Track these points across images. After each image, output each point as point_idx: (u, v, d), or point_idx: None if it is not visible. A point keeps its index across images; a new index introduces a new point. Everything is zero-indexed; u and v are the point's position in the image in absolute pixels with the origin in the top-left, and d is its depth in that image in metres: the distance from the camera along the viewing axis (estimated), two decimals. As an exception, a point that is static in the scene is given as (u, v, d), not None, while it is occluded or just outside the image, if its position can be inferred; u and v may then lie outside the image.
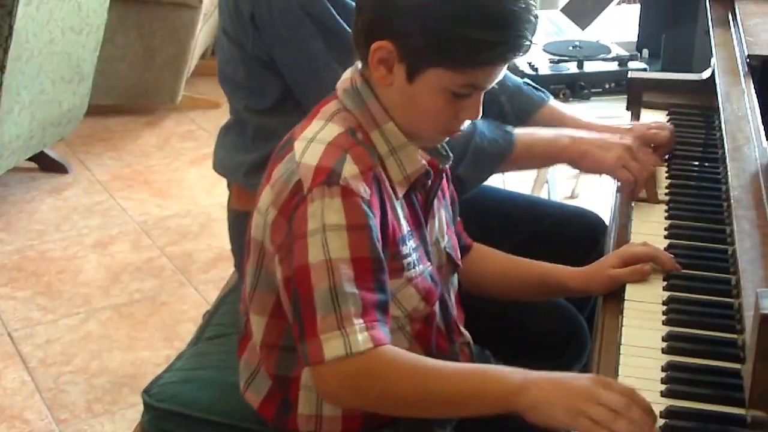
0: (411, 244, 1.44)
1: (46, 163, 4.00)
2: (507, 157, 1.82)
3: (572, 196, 3.72)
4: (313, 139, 1.39)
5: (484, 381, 1.31)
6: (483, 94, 1.41)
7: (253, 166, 1.84)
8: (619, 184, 1.83)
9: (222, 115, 4.41)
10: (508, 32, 1.33)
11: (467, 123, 1.44)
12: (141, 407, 1.73)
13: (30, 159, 3.86)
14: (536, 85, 2.10)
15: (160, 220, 3.66)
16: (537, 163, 2.03)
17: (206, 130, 4.45)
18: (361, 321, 1.31)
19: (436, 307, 1.51)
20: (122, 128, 4.45)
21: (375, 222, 1.35)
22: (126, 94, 4.45)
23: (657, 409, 1.26)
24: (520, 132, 1.85)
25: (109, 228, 3.60)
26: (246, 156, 1.89)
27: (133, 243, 3.50)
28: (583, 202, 2.81)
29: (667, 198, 1.80)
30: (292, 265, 1.34)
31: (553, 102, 2.06)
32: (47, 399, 2.67)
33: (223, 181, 2.06)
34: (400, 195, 1.44)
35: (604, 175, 1.86)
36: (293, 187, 1.36)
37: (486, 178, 1.86)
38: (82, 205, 3.77)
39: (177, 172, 4.06)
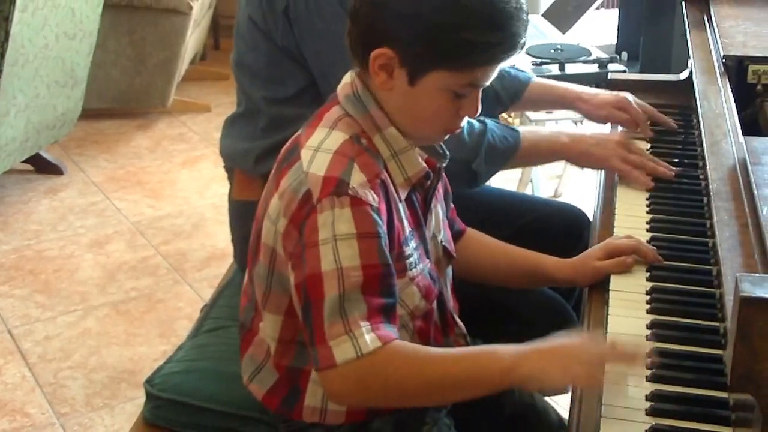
0: (413, 244, 1.47)
1: (42, 165, 4.05)
2: (516, 153, 1.92)
3: (556, 195, 3.75)
4: (319, 148, 1.41)
5: (478, 365, 1.34)
6: (480, 91, 1.45)
7: (265, 153, 1.88)
8: (605, 177, 1.91)
9: (213, 118, 4.55)
10: (504, 32, 1.37)
11: (466, 120, 1.48)
12: (139, 401, 1.76)
13: (26, 161, 3.92)
14: (518, 68, 2.20)
15: (154, 220, 3.71)
16: (541, 159, 2.12)
17: (197, 133, 4.50)
18: (367, 323, 1.32)
19: (434, 303, 1.54)
20: (115, 131, 4.50)
21: (384, 228, 1.38)
22: (118, 98, 4.50)
23: (642, 393, 1.32)
24: (524, 130, 1.95)
25: (104, 228, 3.65)
26: (256, 143, 1.92)
27: (128, 242, 3.55)
28: (566, 201, 2.88)
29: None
30: (305, 272, 1.35)
31: (536, 78, 2.17)
32: (48, 393, 2.72)
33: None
34: (402, 197, 1.47)
35: (586, 172, 1.95)
36: (302, 196, 1.38)
37: (497, 172, 1.96)
38: (78, 206, 3.82)
39: (169, 174, 4.10)
